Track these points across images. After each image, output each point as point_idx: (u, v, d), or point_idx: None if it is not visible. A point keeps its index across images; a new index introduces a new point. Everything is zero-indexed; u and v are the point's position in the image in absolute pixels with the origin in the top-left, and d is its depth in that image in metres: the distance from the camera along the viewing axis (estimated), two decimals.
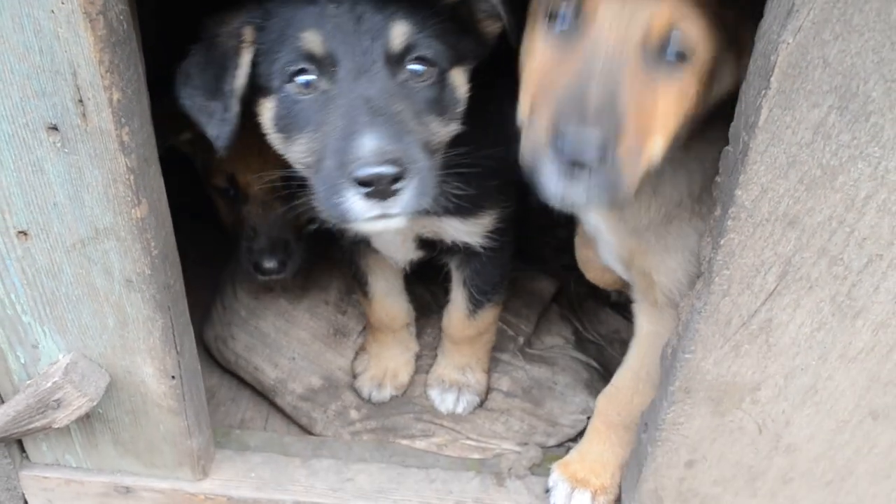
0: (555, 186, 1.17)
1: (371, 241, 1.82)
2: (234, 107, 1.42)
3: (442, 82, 1.41)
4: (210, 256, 2.46)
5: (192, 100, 1.45)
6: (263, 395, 2.27)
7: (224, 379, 2.35)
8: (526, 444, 2.06)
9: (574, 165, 1.13)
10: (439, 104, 1.40)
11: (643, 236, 1.53)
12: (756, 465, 1.61)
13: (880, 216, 1.23)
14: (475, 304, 1.94)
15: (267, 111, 1.45)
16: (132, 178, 1.36)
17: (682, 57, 1.22)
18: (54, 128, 1.31)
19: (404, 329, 2.13)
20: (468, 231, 1.72)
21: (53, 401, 1.61)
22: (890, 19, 1.05)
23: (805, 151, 1.17)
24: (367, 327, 2.18)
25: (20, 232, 1.46)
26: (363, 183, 1.23)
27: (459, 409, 2.08)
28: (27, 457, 1.90)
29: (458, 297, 1.97)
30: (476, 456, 2.04)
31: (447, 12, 1.41)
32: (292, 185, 1.49)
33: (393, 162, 1.22)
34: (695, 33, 1.21)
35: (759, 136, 1.16)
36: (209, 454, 1.93)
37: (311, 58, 1.35)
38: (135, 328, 1.58)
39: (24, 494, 1.92)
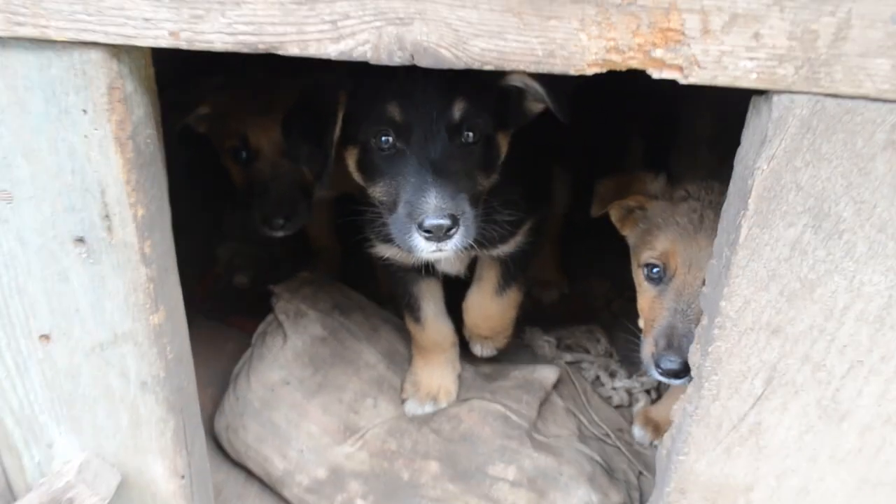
0: (663, 378, 1.79)
1: (436, 265, 2.19)
2: (332, 154, 1.76)
3: (488, 144, 1.77)
4: (218, 356, 2.54)
5: (298, 148, 1.86)
6: (270, 489, 2.28)
7: (231, 475, 2.36)
8: None
9: (671, 376, 1.76)
10: (484, 161, 1.77)
11: None
12: None
13: (858, 325, 1.29)
14: (505, 281, 2.27)
15: (352, 156, 1.81)
16: (152, 286, 1.44)
17: None
18: (81, 240, 1.39)
19: (452, 348, 2.36)
20: (508, 248, 2.15)
21: (66, 499, 1.63)
22: (855, 148, 1.14)
23: (784, 266, 1.25)
24: (417, 354, 2.35)
25: (42, 335, 1.52)
26: (426, 230, 1.61)
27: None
28: None
29: (489, 275, 2.29)
30: None
31: (498, 91, 1.75)
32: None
33: (448, 217, 1.60)
34: None
35: (739, 252, 1.24)
36: None
37: (392, 123, 1.69)
38: (147, 428, 1.63)
39: None
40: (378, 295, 2.68)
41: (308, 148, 1.82)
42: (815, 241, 1.22)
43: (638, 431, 2.39)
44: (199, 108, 2.23)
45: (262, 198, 2.26)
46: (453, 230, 1.62)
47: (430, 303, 2.30)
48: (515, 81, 1.73)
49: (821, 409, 1.39)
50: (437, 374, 2.32)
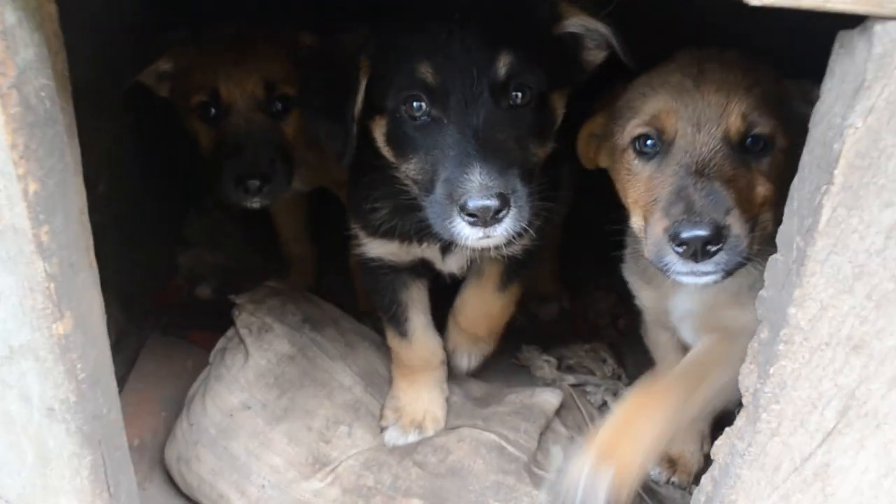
0: (682, 271, 1.43)
1: (438, 264, 2.04)
2: (354, 129, 1.63)
3: (541, 106, 1.61)
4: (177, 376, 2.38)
5: (317, 123, 1.75)
6: None
7: None
8: None
9: (696, 254, 1.38)
10: (538, 126, 1.61)
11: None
12: None
13: None
14: (508, 277, 2.12)
15: (379, 128, 1.66)
16: (53, 286, 1.21)
17: (764, 145, 1.49)
18: None
19: (441, 367, 2.20)
20: (522, 243, 1.92)
21: None
22: None
23: (875, 261, 1.05)
24: (400, 375, 2.18)
25: None
26: (470, 214, 1.46)
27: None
28: None
29: (490, 272, 2.13)
30: None
31: (552, 41, 1.61)
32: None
33: (496, 196, 1.44)
34: (769, 127, 1.48)
35: (818, 241, 1.03)
36: None
37: (424, 87, 1.54)
38: (58, 465, 1.42)
39: None
40: (356, 310, 2.49)
41: (327, 123, 1.70)
42: None
43: (652, 467, 2.19)
44: (159, 63, 2.01)
45: (236, 158, 2.01)
46: (503, 212, 1.47)
47: (419, 314, 2.14)
48: (573, 27, 1.61)
49: None
50: (423, 397, 2.14)
